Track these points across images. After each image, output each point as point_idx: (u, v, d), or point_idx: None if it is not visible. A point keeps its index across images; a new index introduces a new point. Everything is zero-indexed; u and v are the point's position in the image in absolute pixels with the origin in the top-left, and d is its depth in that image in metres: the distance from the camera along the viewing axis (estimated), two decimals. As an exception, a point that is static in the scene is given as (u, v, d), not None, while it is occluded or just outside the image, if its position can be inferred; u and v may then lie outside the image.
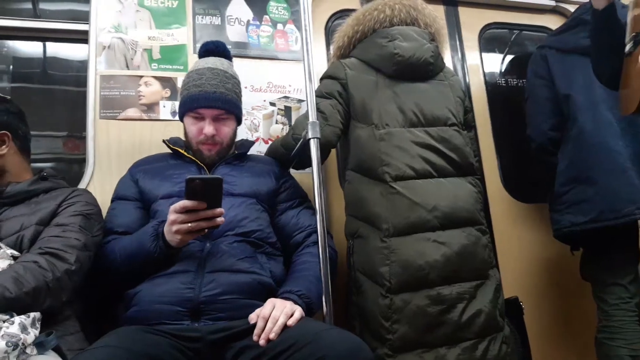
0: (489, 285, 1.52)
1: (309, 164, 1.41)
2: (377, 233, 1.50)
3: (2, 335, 0.95)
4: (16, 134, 1.41)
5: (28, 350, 1.00)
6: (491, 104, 2.34)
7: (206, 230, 1.22)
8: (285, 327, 1.14)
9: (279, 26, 2.10)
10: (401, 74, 1.63)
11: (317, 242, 1.32)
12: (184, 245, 1.25)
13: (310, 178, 1.43)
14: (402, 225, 1.47)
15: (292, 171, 1.72)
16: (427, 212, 1.48)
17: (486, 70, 2.41)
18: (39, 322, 1.07)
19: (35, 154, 1.55)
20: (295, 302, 1.23)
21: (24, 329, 1.00)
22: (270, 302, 1.21)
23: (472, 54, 2.39)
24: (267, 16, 2.10)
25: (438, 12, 1.79)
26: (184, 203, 1.18)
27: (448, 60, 2.29)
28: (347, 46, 1.75)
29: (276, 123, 1.99)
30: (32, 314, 1.05)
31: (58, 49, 2.05)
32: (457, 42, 2.38)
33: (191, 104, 1.48)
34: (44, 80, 2.01)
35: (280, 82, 2.02)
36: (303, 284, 1.31)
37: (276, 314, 1.16)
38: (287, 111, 2.01)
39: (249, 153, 1.63)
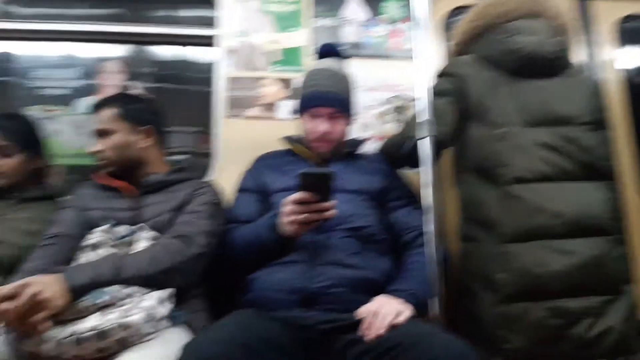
0: (622, 301, 1.39)
1: (420, 164, 1.40)
2: (492, 238, 1.44)
3: (140, 308, 1.08)
4: (156, 129, 1.58)
5: (161, 323, 1.13)
6: (629, 102, 2.12)
7: (318, 223, 1.28)
8: (394, 325, 1.15)
9: (394, 25, 2.10)
10: (523, 70, 1.55)
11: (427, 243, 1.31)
12: (299, 235, 1.32)
13: (421, 178, 1.42)
14: (521, 231, 1.40)
15: (404, 171, 1.71)
16: (549, 219, 1.39)
17: (623, 66, 2.18)
18: (172, 299, 1.20)
19: (173, 147, 1.72)
20: (405, 301, 1.23)
21: (159, 303, 1.13)
22: (379, 298, 1.23)
23: (606, 49, 2.18)
24: (382, 15, 2.11)
25: (567, 5, 1.66)
26: (297, 195, 1.24)
27: (579, 55, 2.11)
28: (465, 42, 1.70)
29: (388, 122, 2.01)
30: (166, 291, 1.18)
31: (191, 53, 2.26)
32: (590, 36, 2.19)
33: (307, 103, 1.55)
34: (180, 81, 2.23)
35: (394, 81, 2.03)
36: (412, 284, 1.31)
37: (384, 311, 1.17)
38: (399, 110, 2.01)
39: (360, 151, 1.66)
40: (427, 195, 1.35)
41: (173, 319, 1.17)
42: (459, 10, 2.14)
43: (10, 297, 0.98)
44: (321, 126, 1.52)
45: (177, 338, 1.14)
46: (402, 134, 1.63)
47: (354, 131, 1.81)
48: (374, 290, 1.29)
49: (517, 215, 1.41)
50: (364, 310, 1.20)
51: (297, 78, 1.82)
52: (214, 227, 1.40)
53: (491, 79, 1.56)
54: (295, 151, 1.60)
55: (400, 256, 1.46)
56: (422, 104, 1.43)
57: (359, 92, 1.87)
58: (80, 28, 2.16)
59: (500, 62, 1.57)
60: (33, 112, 2.07)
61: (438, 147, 1.53)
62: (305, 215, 1.25)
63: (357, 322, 1.18)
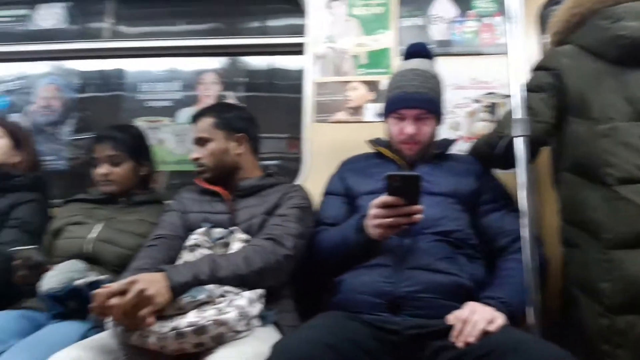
0: None
1: (515, 164, 1.33)
2: (596, 243, 1.33)
3: (234, 306, 1.13)
4: (249, 136, 1.65)
5: (253, 322, 1.18)
6: None
7: (405, 226, 1.26)
8: (485, 333, 1.10)
9: (485, 20, 2.01)
10: (629, 59, 1.40)
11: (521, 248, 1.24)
12: (385, 239, 1.31)
13: (516, 179, 1.34)
14: (629, 237, 1.27)
15: (498, 172, 1.64)
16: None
17: None
18: (263, 299, 1.25)
19: (264, 153, 1.79)
20: (497, 309, 1.18)
21: (250, 302, 1.18)
22: (470, 305, 1.19)
23: None
24: (472, 11, 2.03)
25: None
26: (384, 199, 1.23)
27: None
28: (563, 32, 1.58)
29: (479, 121, 1.92)
30: (257, 291, 1.23)
31: (282, 61, 2.35)
32: None
33: (393, 105, 1.54)
34: (270, 89, 2.32)
35: (485, 78, 1.94)
36: (506, 291, 1.24)
37: (475, 318, 1.13)
38: (491, 108, 1.92)
39: (450, 152, 1.61)
40: (522, 198, 1.28)
41: (263, 318, 1.22)
42: (554, 0, 2.00)
43: (120, 293, 1.08)
44: (408, 128, 1.50)
45: (267, 337, 1.18)
46: (495, 132, 1.56)
47: (443, 132, 1.76)
48: (465, 297, 1.24)
49: (624, 219, 1.28)
50: (454, 317, 1.17)
51: (384, 80, 1.81)
52: (303, 230, 1.44)
53: (593, 70, 1.44)
54: (382, 154, 1.59)
55: (493, 262, 1.39)
56: (516, 101, 1.36)
57: (449, 90, 1.82)
58: (180, 43, 2.33)
59: (603, 51, 1.44)
60: (140, 122, 2.27)
61: (534, 146, 1.44)
62: (392, 218, 1.23)
63: (447, 329, 1.15)
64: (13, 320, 1.41)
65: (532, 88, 1.50)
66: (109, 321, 1.16)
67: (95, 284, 1.31)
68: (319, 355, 1.00)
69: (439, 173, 1.50)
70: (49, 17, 2.48)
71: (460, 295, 1.25)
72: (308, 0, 2.14)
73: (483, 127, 1.90)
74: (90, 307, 1.12)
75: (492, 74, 1.94)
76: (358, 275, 1.34)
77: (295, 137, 2.17)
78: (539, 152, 1.58)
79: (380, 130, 1.67)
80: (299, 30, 2.19)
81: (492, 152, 1.53)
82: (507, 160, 1.46)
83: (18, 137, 1.87)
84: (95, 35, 2.47)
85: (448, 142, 1.63)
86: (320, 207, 1.60)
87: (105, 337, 1.16)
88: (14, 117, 2.34)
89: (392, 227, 1.25)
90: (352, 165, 1.64)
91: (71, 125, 2.35)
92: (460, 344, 1.09)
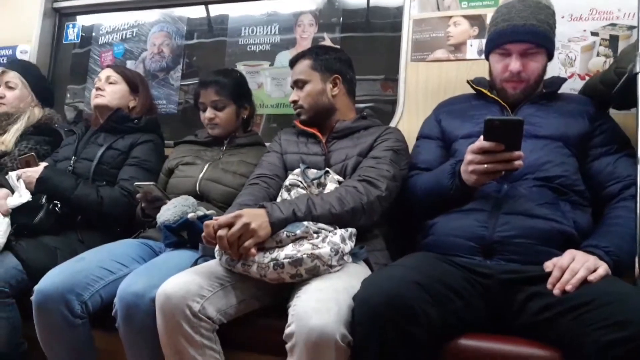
0: None
1: (635, 104, 1.19)
2: None
3: (328, 242, 1.19)
4: (345, 78, 1.65)
5: (345, 258, 1.23)
6: None
7: (503, 172, 1.21)
8: (585, 282, 1.05)
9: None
10: None
11: (636, 196, 1.14)
12: (480, 185, 1.27)
13: (635, 120, 1.22)
14: None
15: (614, 112, 1.49)
16: None
17: None
18: (354, 237, 1.29)
19: (358, 96, 1.79)
20: (601, 258, 1.11)
21: (343, 240, 1.23)
22: (570, 252, 1.13)
23: None
24: None
25: None
26: (481, 144, 1.18)
27: None
28: None
29: (597, 56, 1.73)
30: (349, 229, 1.28)
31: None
32: None
33: (497, 40, 1.43)
34: (366, 29, 2.26)
35: (607, 7, 1.72)
36: (612, 240, 1.16)
37: (576, 266, 1.08)
38: (612, 41, 1.71)
39: (560, 91, 1.48)
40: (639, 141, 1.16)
41: (355, 255, 1.27)
42: None
43: (227, 225, 1.18)
44: (513, 64, 1.40)
45: (358, 272, 1.23)
46: (614, 68, 1.40)
47: (554, 69, 1.62)
48: (567, 245, 1.18)
49: None
50: (553, 263, 1.12)
51: (490, 14, 1.68)
52: (396, 172, 1.44)
53: None
54: (483, 95, 1.51)
55: (601, 210, 1.30)
56: (640, 33, 1.20)
57: (562, 22, 1.65)
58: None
59: None
60: (241, 67, 2.36)
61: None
62: (489, 165, 1.19)
63: (544, 275, 1.11)
64: (134, 247, 1.60)
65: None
66: (217, 250, 1.28)
67: (205, 217, 1.44)
68: (408, 292, 1.02)
69: (546, 114, 1.40)
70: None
71: (560, 243, 1.19)
72: None
73: (601, 63, 1.71)
74: (201, 238, 1.25)
75: (616, 3, 1.71)
76: (452, 219, 1.32)
77: (390, 79, 2.12)
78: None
79: (483, 69, 1.58)
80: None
81: (609, 91, 1.39)
82: (627, 99, 1.32)
83: (134, 82, 2.03)
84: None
85: (559, 81, 1.50)
86: (414, 151, 1.58)
87: (213, 264, 1.28)
88: (129, 64, 2.54)
89: (489, 174, 1.21)
90: (449, 107, 1.58)
91: (180, 71, 2.51)
92: (557, 291, 1.06)
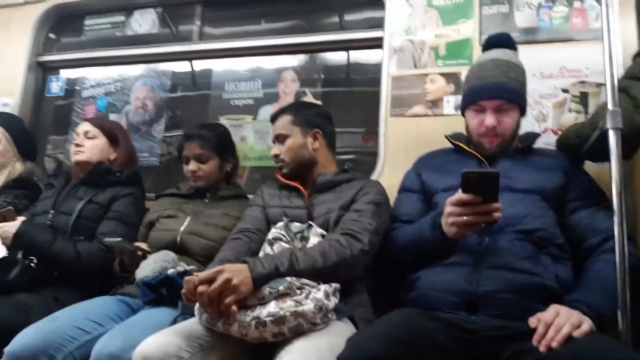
0: None
1: (608, 158, 1.24)
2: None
3: (311, 299, 1.17)
4: (325, 132, 1.68)
5: (329, 315, 1.21)
6: None
7: (483, 224, 1.22)
8: (570, 338, 1.05)
9: (576, 3, 1.88)
10: None
11: (614, 248, 1.16)
12: (461, 237, 1.28)
13: (609, 173, 1.25)
14: None
15: (590, 165, 1.53)
16: None
17: None
18: (338, 293, 1.28)
19: (339, 148, 1.82)
20: (584, 313, 1.11)
21: (327, 296, 1.21)
22: (554, 308, 1.13)
23: None
24: (561, -5, 1.90)
25: None
26: (460, 196, 1.20)
27: None
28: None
29: (569, 112, 1.80)
30: (333, 285, 1.26)
31: (357, 56, 2.35)
32: None
33: (472, 97, 1.49)
34: (347, 84, 2.34)
35: (576, 66, 1.81)
36: (594, 294, 1.17)
37: (560, 322, 1.07)
38: (582, 98, 1.79)
39: (534, 146, 1.53)
40: (615, 194, 1.20)
41: (339, 312, 1.25)
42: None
43: (207, 281, 1.16)
44: (488, 120, 1.45)
45: (342, 330, 1.21)
46: (587, 123, 1.46)
47: (528, 124, 1.68)
48: (549, 299, 1.18)
49: None
50: (537, 319, 1.11)
51: (464, 72, 1.76)
52: (378, 225, 1.45)
53: None
54: (461, 149, 1.55)
55: (581, 263, 1.31)
56: (611, 90, 1.26)
57: (535, 80, 1.73)
58: (261, 43, 2.42)
59: None
60: (224, 120, 2.39)
61: (632, 140, 1.33)
62: (468, 217, 1.20)
63: (528, 332, 1.10)
64: (111, 305, 1.55)
65: (634, 75, 1.38)
66: (196, 308, 1.25)
67: (185, 273, 1.41)
68: (394, 351, 1.00)
69: (522, 168, 1.44)
70: (144, 22, 2.66)
71: (543, 297, 1.19)
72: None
73: (572, 118, 1.78)
74: (180, 294, 1.22)
75: (583, 62, 1.80)
76: (435, 273, 1.32)
77: (371, 132, 2.17)
78: (638, 146, 1.45)
79: (459, 125, 1.63)
80: (377, 24, 2.18)
81: (582, 144, 1.44)
82: (600, 153, 1.36)
83: (113, 134, 2.03)
84: (185, 38, 2.62)
85: (533, 136, 1.55)
86: (395, 204, 1.60)
87: (193, 323, 1.24)
88: (113, 117, 2.56)
89: (469, 226, 1.22)
90: (429, 161, 1.62)
91: (163, 124, 2.53)
92: (542, 348, 1.05)
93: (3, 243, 1.66)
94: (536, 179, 1.40)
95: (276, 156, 1.66)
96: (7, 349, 1.29)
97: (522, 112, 1.51)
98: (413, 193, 1.57)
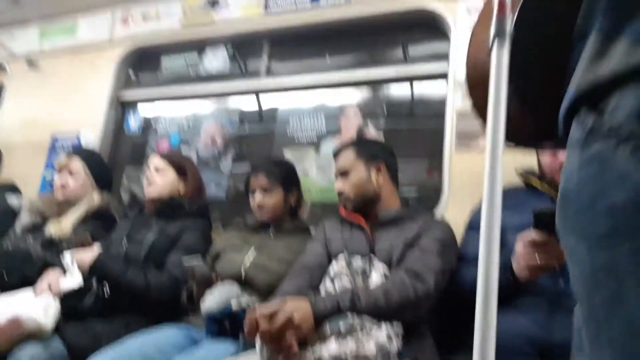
0: None
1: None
2: None
3: (374, 341, 1.14)
4: (388, 165, 1.68)
5: (392, 357, 1.17)
6: None
7: (557, 267, 1.15)
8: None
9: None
10: None
11: None
12: (533, 279, 1.21)
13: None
14: None
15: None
16: None
17: None
18: (401, 335, 1.24)
19: (402, 181, 1.79)
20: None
21: (389, 338, 1.18)
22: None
23: None
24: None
25: None
26: (532, 236, 1.15)
27: None
28: None
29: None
30: (395, 325, 1.23)
31: (421, 89, 2.33)
32: None
33: (548, 131, 1.43)
34: (410, 118, 2.32)
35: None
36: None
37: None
38: None
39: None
40: None
41: (401, 355, 1.21)
42: None
43: (269, 316, 1.16)
44: (563, 156, 1.38)
45: (406, 375, 1.17)
46: None
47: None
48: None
49: None
50: None
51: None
52: (444, 266, 1.40)
53: None
54: (533, 186, 1.48)
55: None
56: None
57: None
58: (324, 77, 2.47)
59: None
60: (289, 154, 2.44)
61: None
62: (541, 258, 1.14)
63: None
64: (176, 334, 1.60)
65: None
66: (258, 343, 1.25)
67: (248, 307, 1.43)
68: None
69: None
70: (215, 60, 2.80)
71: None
72: (452, 25, 2.11)
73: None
74: (242, 328, 1.23)
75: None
76: (505, 318, 1.23)
77: (434, 165, 2.13)
78: None
79: (530, 159, 1.56)
80: (443, 56, 2.17)
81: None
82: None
83: (182, 166, 2.12)
84: (253, 74, 2.72)
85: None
86: (462, 243, 1.55)
87: (253, 358, 1.24)
88: (184, 151, 2.69)
89: (542, 268, 1.15)
90: (498, 198, 1.55)
91: (230, 158, 2.62)
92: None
93: (79, 270, 1.75)
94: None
95: (340, 190, 1.66)
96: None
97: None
98: (478, 232, 1.50)
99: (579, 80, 0.47)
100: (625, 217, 0.40)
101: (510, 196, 1.51)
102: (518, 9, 0.65)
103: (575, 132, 0.47)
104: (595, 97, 0.44)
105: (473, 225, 1.55)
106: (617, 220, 0.41)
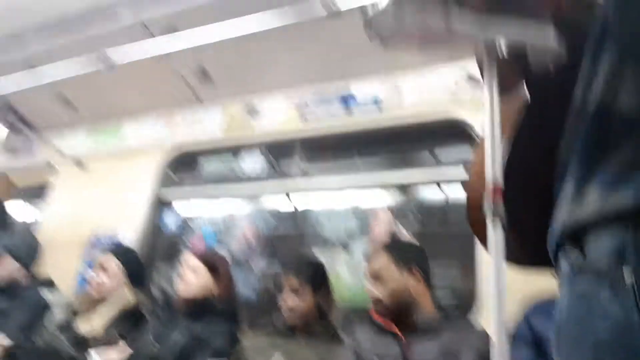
0: None
1: None
2: None
3: None
4: (422, 270, 1.65)
5: None
6: None
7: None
8: None
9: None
10: None
11: None
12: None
13: None
14: None
15: None
16: None
17: None
18: None
19: (435, 287, 1.75)
20: None
21: None
22: None
23: None
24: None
25: None
26: None
27: None
28: None
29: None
30: None
31: (453, 192, 2.35)
32: None
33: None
34: (442, 222, 2.32)
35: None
36: None
37: None
38: None
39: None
40: None
41: None
42: None
43: None
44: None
45: None
46: None
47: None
48: None
49: None
50: None
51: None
52: (485, 382, 1.32)
53: None
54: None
55: None
56: None
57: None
58: (354, 178, 2.52)
59: None
60: (320, 256, 2.43)
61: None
62: None
63: None
64: None
65: None
66: None
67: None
68: None
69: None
70: (250, 161, 2.91)
71: None
72: (479, 128, 2.16)
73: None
74: None
75: None
76: None
77: (469, 271, 2.08)
78: None
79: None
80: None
81: None
82: None
83: (215, 266, 2.13)
84: (286, 174, 2.80)
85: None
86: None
87: None
88: (218, 249, 2.72)
89: None
90: (541, 309, 1.49)
91: (263, 259, 2.64)
92: None
93: None
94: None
95: (373, 295, 1.63)
96: None
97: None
98: (525, 344, 1.44)
99: (562, 218, 0.52)
100: (610, 354, 0.44)
101: (552, 307, 1.46)
102: (507, 158, 0.72)
103: (564, 266, 0.51)
104: (576, 235, 0.49)
105: (516, 337, 1.48)
106: (601, 356, 0.44)
